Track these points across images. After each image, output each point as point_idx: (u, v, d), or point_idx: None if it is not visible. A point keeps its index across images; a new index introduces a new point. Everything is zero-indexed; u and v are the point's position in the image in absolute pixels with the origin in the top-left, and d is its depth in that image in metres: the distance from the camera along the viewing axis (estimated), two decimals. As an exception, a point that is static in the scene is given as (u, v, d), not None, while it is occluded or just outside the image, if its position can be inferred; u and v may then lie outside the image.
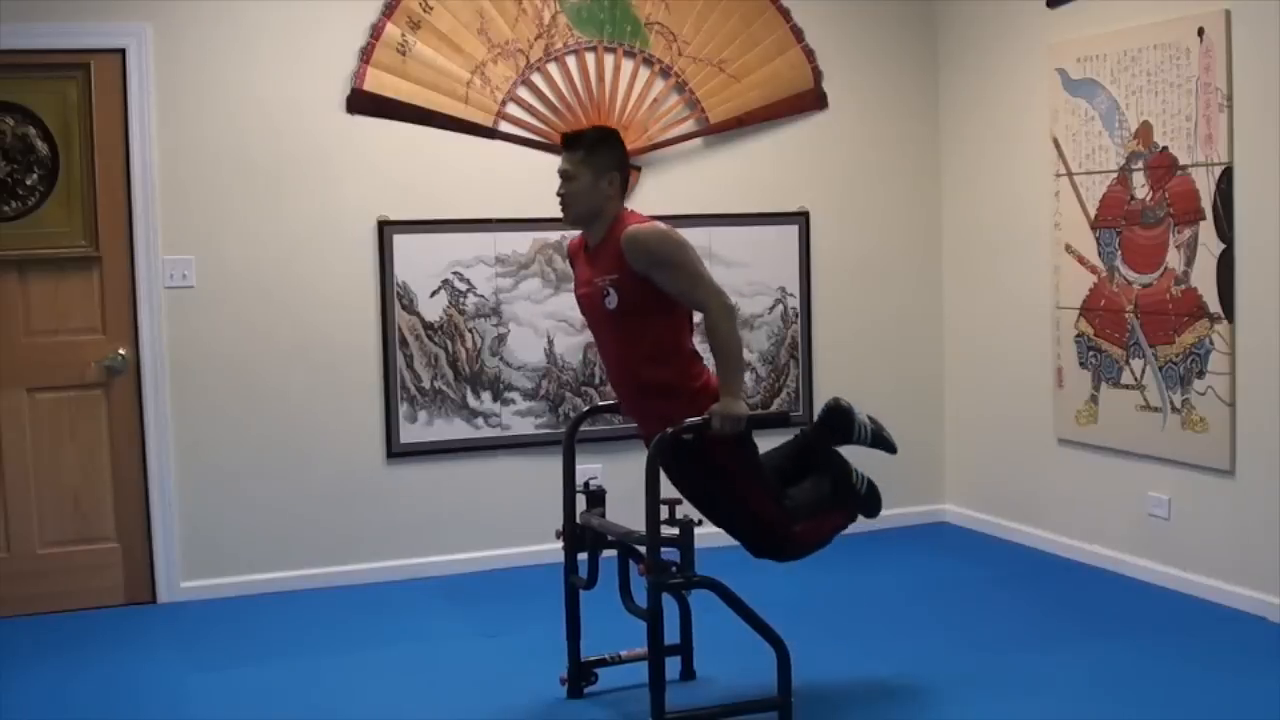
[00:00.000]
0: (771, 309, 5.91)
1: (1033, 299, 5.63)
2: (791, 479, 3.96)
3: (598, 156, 3.70)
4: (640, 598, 3.70)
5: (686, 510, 3.69)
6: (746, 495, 3.74)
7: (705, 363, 3.81)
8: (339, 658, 4.50)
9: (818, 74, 5.91)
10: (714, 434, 3.59)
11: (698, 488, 3.74)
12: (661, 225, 3.71)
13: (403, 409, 5.42)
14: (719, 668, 4.14)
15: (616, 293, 3.65)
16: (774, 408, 5.88)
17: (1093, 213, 5.27)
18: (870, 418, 4.06)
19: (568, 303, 5.48)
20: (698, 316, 3.72)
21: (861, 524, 5.90)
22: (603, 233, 3.73)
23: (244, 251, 5.21)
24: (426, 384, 5.45)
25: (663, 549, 3.60)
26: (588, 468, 4.28)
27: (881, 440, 4.06)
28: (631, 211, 3.79)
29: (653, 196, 5.69)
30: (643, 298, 3.64)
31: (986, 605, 4.95)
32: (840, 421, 3.99)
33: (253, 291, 5.23)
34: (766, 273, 5.88)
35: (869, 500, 4.06)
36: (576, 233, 3.96)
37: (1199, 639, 4.46)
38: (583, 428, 4.25)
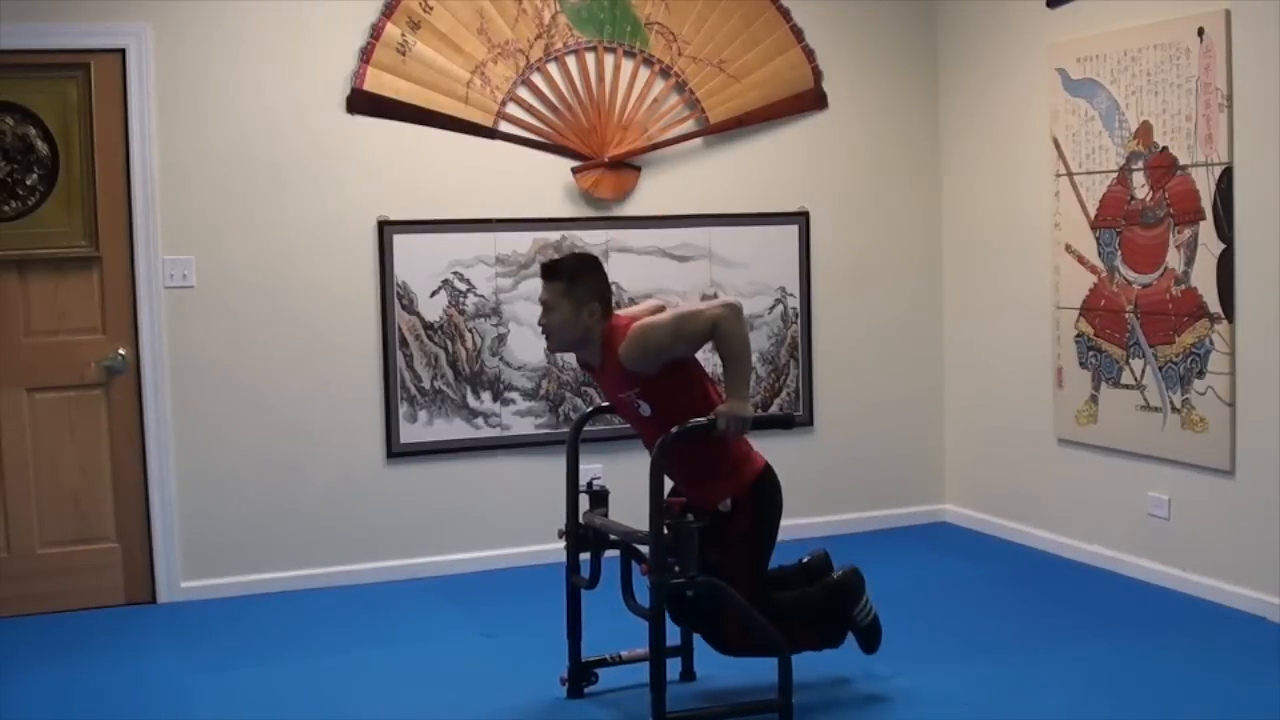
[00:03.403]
0: (771, 309, 5.91)
1: (1033, 299, 5.63)
2: (776, 584, 3.95)
3: (577, 288, 3.72)
4: (642, 598, 3.70)
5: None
6: (728, 560, 3.71)
7: (708, 367, 3.84)
8: (339, 658, 4.50)
9: (818, 74, 5.91)
10: (716, 433, 3.61)
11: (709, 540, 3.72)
12: (635, 326, 3.69)
13: (403, 409, 5.42)
14: (719, 668, 4.14)
15: (647, 401, 3.72)
16: (774, 408, 5.88)
17: (1093, 213, 5.27)
18: (874, 608, 4.01)
19: (568, 303, 5.49)
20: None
21: (861, 523, 5.99)
22: (599, 355, 3.78)
23: (244, 251, 5.21)
24: (426, 384, 5.44)
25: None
26: (589, 468, 4.27)
27: (872, 634, 3.99)
28: (614, 320, 3.78)
29: (653, 196, 5.69)
30: (669, 383, 3.70)
31: (986, 605, 4.95)
32: (853, 591, 3.95)
33: (253, 291, 5.22)
34: (766, 273, 5.88)
35: (868, 633, 4.00)
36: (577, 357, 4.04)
37: (1199, 639, 4.46)
38: (584, 428, 4.25)
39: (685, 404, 3.69)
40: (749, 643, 3.78)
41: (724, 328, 3.62)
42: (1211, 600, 4.80)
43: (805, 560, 4.05)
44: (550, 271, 3.77)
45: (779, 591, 3.91)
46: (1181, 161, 4.84)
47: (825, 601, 3.93)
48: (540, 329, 3.83)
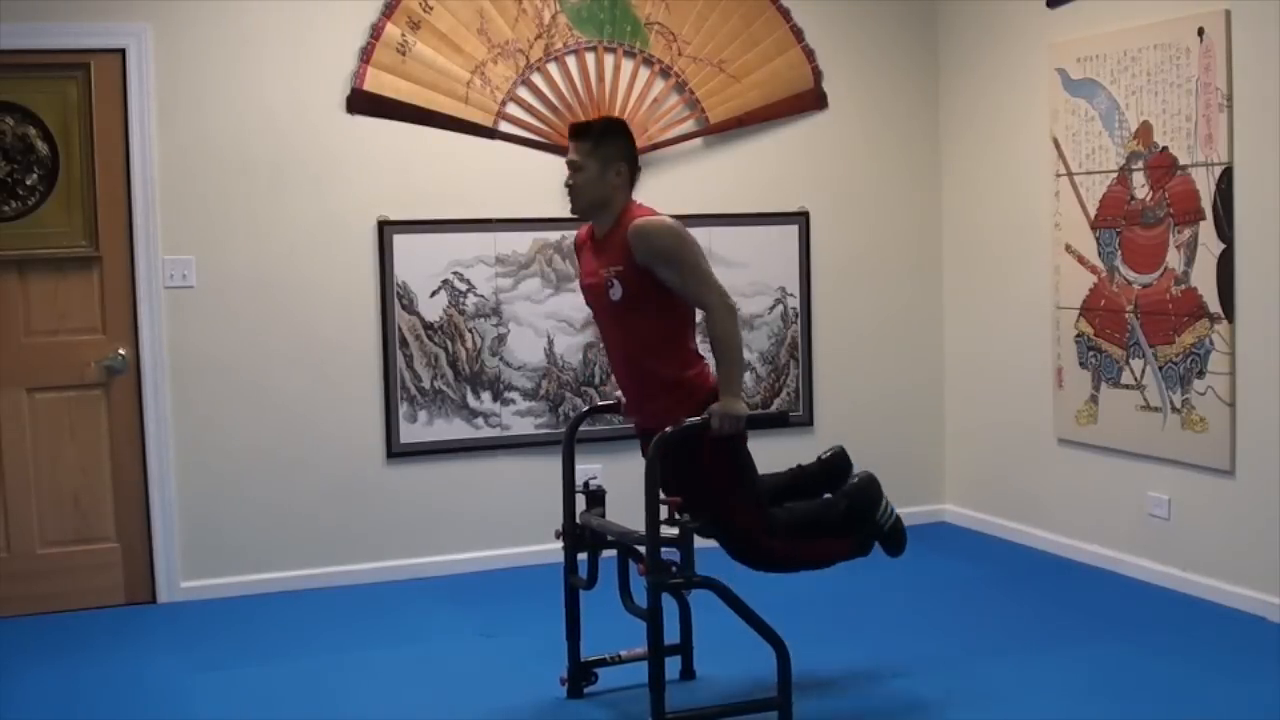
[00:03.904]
0: (771, 309, 5.91)
1: (1033, 299, 5.63)
2: (796, 495, 3.94)
3: (605, 147, 3.71)
4: (640, 598, 3.70)
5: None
6: (723, 495, 3.72)
7: (707, 362, 3.81)
8: (339, 658, 4.50)
9: (818, 74, 5.91)
10: (712, 433, 3.59)
11: (683, 485, 3.72)
12: (669, 219, 3.71)
13: (403, 409, 5.42)
14: (719, 668, 4.14)
15: (620, 284, 3.67)
16: (774, 408, 5.88)
17: (1093, 213, 5.27)
18: (895, 510, 4.00)
19: (568, 303, 5.50)
20: (700, 314, 3.73)
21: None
22: (610, 224, 3.74)
23: (244, 251, 5.21)
24: (426, 384, 5.45)
25: (662, 549, 3.60)
26: (587, 468, 4.28)
27: (896, 536, 3.99)
28: (640, 204, 3.79)
29: (653, 196, 5.62)
30: (646, 291, 3.65)
31: (986, 605, 4.95)
32: (873, 496, 3.94)
33: (253, 291, 5.23)
34: (766, 273, 5.88)
35: (891, 536, 3.98)
36: (580, 230, 3.99)
37: (1199, 639, 4.46)
38: (582, 428, 4.25)
39: (654, 317, 3.66)
40: (813, 558, 3.87)
41: (724, 321, 3.61)
42: (1211, 600, 4.80)
43: (824, 456, 4.05)
44: (580, 131, 3.77)
45: (799, 498, 3.91)
46: (1181, 161, 4.84)
47: (846, 509, 3.91)
48: (566, 189, 3.77)
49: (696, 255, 3.67)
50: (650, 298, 3.66)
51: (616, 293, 3.68)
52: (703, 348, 3.80)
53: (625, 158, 3.75)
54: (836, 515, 3.91)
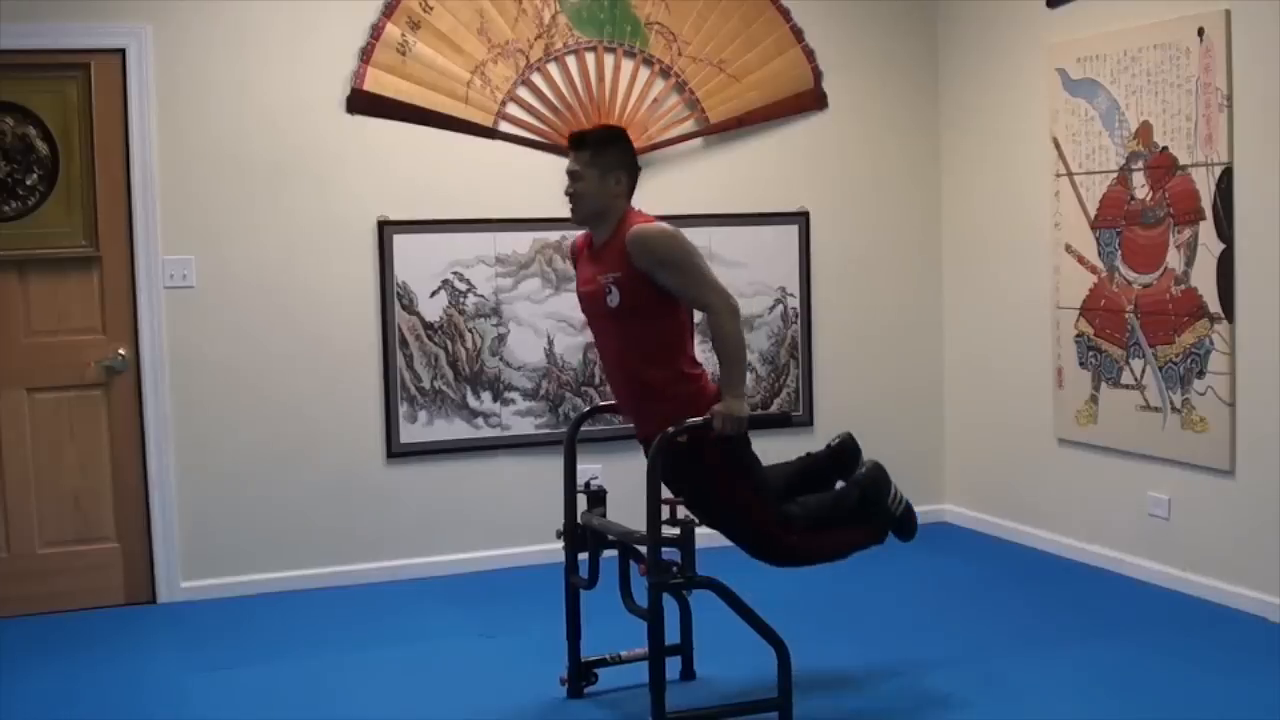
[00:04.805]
0: (771, 309, 5.91)
1: (1033, 299, 5.63)
2: (806, 488, 3.95)
3: (604, 156, 3.72)
4: (641, 598, 3.70)
5: (687, 511, 3.69)
6: (733, 496, 3.73)
7: (706, 367, 3.82)
8: (339, 658, 4.50)
9: (818, 74, 5.91)
10: (713, 434, 3.59)
11: (690, 488, 3.73)
12: (667, 225, 3.71)
13: (403, 409, 5.42)
14: (719, 668, 4.14)
15: (619, 291, 3.66)
16: (774, 408, 5.88)
17: (1093, 213, 5.27)
18: (904, 495, 4.01)
19: (568, 303, 5.49)
20: (699, 316, 3.73)
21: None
22: (609, 231, 3.74)
23: (244, 251, 5.21)
24: (426, 384, 5.45)
25: (663, 549, 3.60)
26: (588, 468, 4.28)
27: (908, 521, 4.00)
28: (638, 211, 3.79)
29: (653, 196, 5.66)
30: (645, 297, 3.65)
31: (986, 605, 4.95)
32: (883, 483, 3.96)
33: (253, 291, 5.23)
34: (766, 273, 5.88)
35: (903, 522, 4.00)
36: (580, 233, 3.98)
37: (1199, 639, 4.46)
38: (583, 428, 4.26)
39: (652, 324, 3.66)
40: (833, 549, 3.89)
41: (725, 322, 3.61)
42: (1211, 600, 4.80)
43: (833, 444, 4.06)
44: (578, 141, 3.78)
45: (810, 488, 3.92)
46: (1181, 161, 4.84)
47: (859, 499, 3.93)
48: (567, 198, 3.78)
49: (696, 259, 3.67)
50: (648, 304, 3.66)
51: (614, 299, 3.68)
52: (705, 352, 3.79)
53: (624, 166, 3.75)
54: (850, 505, 3.93)
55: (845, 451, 4.04)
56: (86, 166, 5.01)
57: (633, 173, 3.78)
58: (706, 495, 3.71)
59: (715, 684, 4.10)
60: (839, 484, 4.03)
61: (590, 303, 3.82)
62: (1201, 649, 4.35)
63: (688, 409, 3.64)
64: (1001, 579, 5.31)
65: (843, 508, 3.92)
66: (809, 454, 4.10)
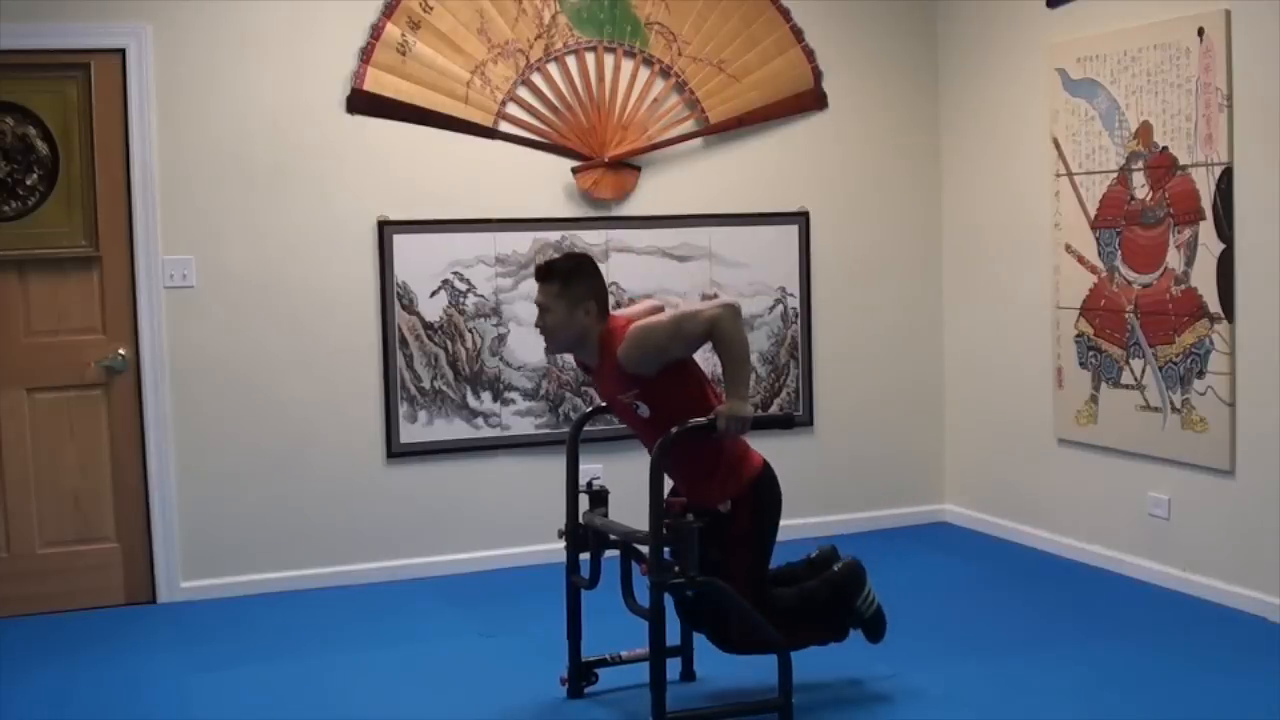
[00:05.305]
0: (771, 309, 5.91)
1: (1033, 299, 5.63)
2: (786, 582, 3.96)
3: (572, 289, 3.73)
4: (642, 598, 3.70)
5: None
6: (730, 560, 3.71)
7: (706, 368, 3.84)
8: (339, 658, 4.50)
9: (818, 74, 5.91)
10: (717, 436, 3.62)
11: (710, 545, 3.69)
12: (634, 326, 3.70)
13: (403, 409, 5.42)
14: (719, 668, 4.14)
15: (646, 404, 3.72)
16: (774, 408, 5.88)
17: (1093, 213, 5.27)
18: (877, 598, 4.01)
19: (568, 303, 5.49)
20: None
21: (861, 523, 5.99)
22: (595, 355, 3.78)
23: (244, 251, 5.21)
24: (426, 384, 5.45)
25: (664, 549, 3.60)
26: (589, 468, 4.27)
27: (877, 624, 4.00)
28: (612, 322, 3.78)
29: (653, 196, 5.69)
30: (667, 385, 3.69)
31: (986, 605, 4.95)
32: (855, 584, 3.95)
33: (253, 291, 5.23)
34: (766, 273, 5.88)
35: (871, 624, 4.00)
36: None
37: (1199, 639, 4.46)
38: (584, 428, 4.25)
39: (684, 405, 3.68)
40: (753, 642, 3.79)
41: (723, 327, 3.62)
42: (1211, 600, 4.80)
43: (812, 556, 4.06)
44: (544, 274, 3.79)
45: (783, 589, 3.91)
46: (1181, 161, 4.84)
47: (828, 596, 3.93)
48: (539, 330, 3.84)
49: (672, 321, 3.68)
50: (670, 386, 3.70)
51: (645, 411, 3.74)
52: (704, 354, 3.81)
53: (593, 294, 3.76)
54: (819, 604, 3.92)
55: (823, 562, 4.04)
56: (86, 166, 5.01)
57: (601, 298, 3.78)
58: (718, 556, 3.70)
59: (715, 684, 4.10)
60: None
61: (619, 412, 3.90)
62: (1201, 649, 4.35)
63: (732, 479, 3.75)
64: (1001, 579, 5.31)
65: (810, 603, 3.91)
66: (789, 564, 4.06)
